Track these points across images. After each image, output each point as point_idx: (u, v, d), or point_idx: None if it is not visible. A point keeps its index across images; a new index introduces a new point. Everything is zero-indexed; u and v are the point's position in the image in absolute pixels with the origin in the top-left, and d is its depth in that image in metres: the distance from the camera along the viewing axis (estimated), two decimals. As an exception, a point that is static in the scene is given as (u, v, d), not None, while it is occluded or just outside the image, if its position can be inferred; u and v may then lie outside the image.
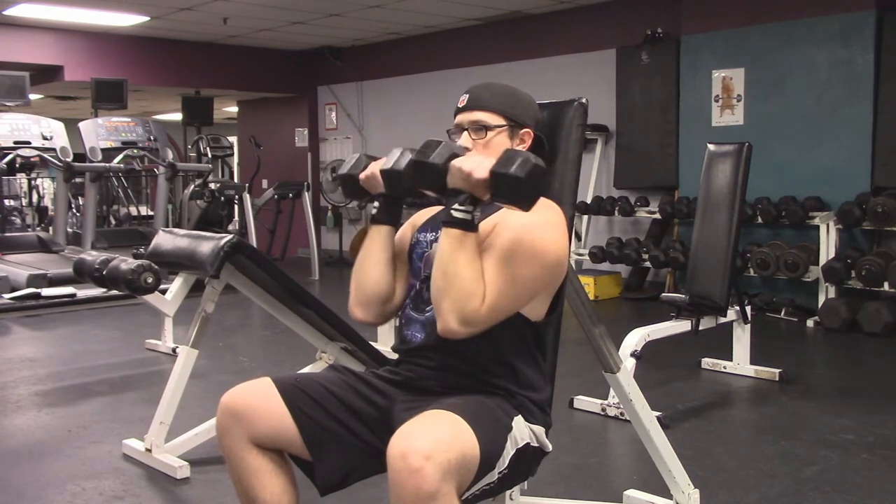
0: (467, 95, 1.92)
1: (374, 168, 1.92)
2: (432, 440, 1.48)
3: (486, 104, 1.89)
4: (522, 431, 1.76)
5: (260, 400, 1.77)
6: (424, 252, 1.92)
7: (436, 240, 1.90)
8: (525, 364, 1.84)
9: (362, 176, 1.95)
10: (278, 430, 1.76)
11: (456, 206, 1.68)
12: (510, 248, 1.71)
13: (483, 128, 1.88)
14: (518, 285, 1.71)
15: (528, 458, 1.79)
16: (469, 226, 1.68)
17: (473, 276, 1.66)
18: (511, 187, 1.61)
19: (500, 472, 1.67)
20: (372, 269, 1.93)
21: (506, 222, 1.76)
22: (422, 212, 2.05)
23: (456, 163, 1.68)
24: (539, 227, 1.74)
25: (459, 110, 1.92)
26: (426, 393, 1.79)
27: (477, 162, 1.66)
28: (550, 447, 1.89)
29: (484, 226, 1.76)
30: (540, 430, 1.85)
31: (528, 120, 1.93)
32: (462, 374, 1.80)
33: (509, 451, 1.69)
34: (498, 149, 1.86)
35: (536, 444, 1.82)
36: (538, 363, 1.87)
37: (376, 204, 1.97)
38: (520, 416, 1.78)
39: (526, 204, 1.63)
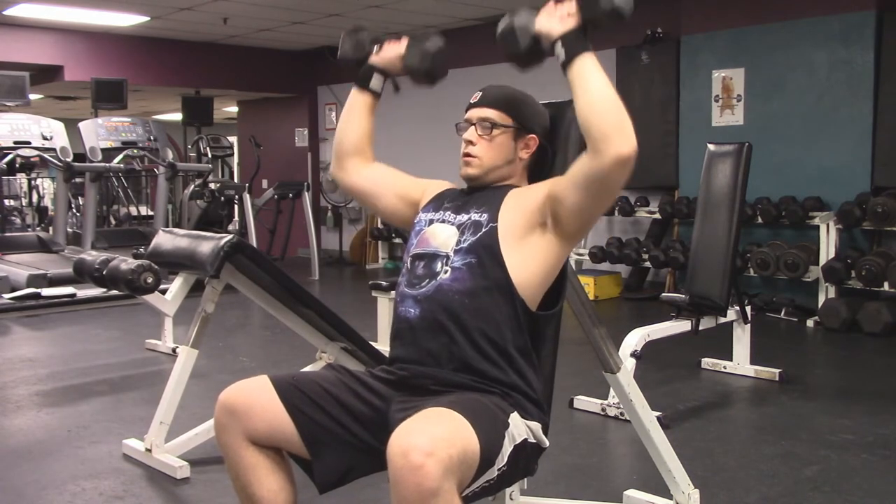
0: (481, 93, 2.00)
1: (402, 46, 2.08)
2: (433, 437, 1.49)
3: (497, 103, 1.96)
4: (519, 428, 1.76)
5: (257, 398, 1.78)
6: (421, 230, 1.95)
7: (437, 220, 1.94)
8: (521, 359, 1.84)
9: (391, 54, 2.11)
10: (275, 428, 1.76)
11: (582, 38, 1.75)
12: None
13: (490, 125, 1.94)
14: None
15: (527, 455, 1.79)
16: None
17: None
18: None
19: (499, 469, 1.67)
20: (349, 126, 2.17)
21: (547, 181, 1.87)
22: (434, 184, 2.09)
23: (543, 16, 1.79)
24: None
25: (471, 105, 1.99)
26: (422, 392, 1.80)
27: (557, 7, 1.78)
28: (548, 443, 1.89)
29: (527, 197, 1.87)
30: (536, 426, 1.85)
31: (535, 126, 1.98)
32: (457, 365, 1.80)
33: (507, 448, 1.69)
34: (501, 148, 1.93)
35: (534, 441, 1.83)
36: (533, 359, 1.88)
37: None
38: (516, 412, 1.79)
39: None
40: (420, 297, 1.85)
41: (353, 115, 2.17)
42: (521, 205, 1.87)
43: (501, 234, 1.83)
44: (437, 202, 2.01)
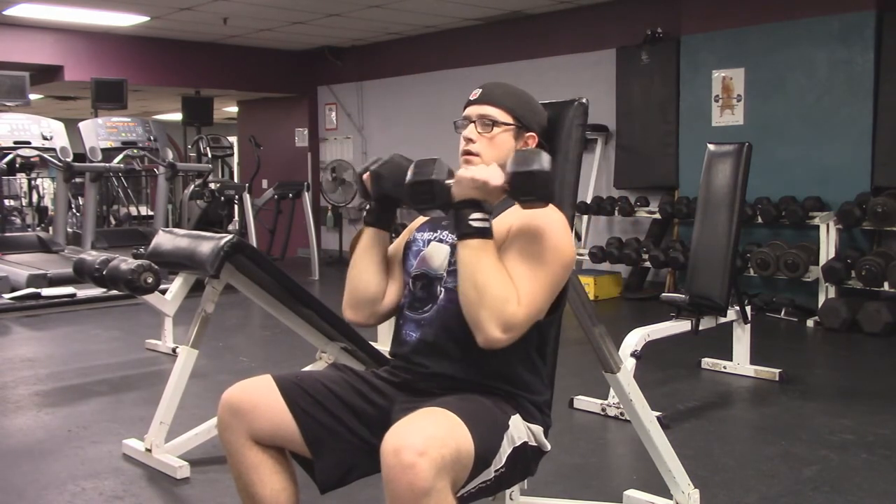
0: (480, 90, 1.96)
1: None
2: (426, 436, 1.49)
3: (498, 101, 1.93)
4: (520, 430, 1.76)
5: (260, 397, 1.77)
6: (420, 250, 1.94)
7: (434, 239, 1.92)
8: (524, 366, 1.84)
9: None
10: (278, 427, 1.76)
11: (473, 216, 1.67)
12: (535, 249, 1.72)
13: (491, 123, 1.91)
14: (548, 284, 1.72)
15: (526, 457, 1.79)
16: (489, 233, 1.68)
17: (504, 281, 1.66)
18: (535, 184, 1.65)
19: (496, 471, 1.67)
20: (364, 271, 1.95)
21: (523, 224, 1.75)
22: (412, 226, 2.06)
23: (464, 174, 1.68)
24: (556, 228, 1.76)
25: (470, 102, 1.95)
26: (425, 394, 1.80)
27: (486, 170, 1.69)
28: (549, 447, 1.89)
29: (497, 228, 1.75)
30: (538, 429, 1.85)
31: (534, 125, 1.96)
32: (460, 380, 1.80)
33: (506, 450, 1.69)
34: (501, 146, 1.89)
35: (535, 444, 1.83)
36: (537, 364, 1.87)
37: (367, 206, 1.99)
38: (517, 414, 1.79)
39: (547, 197, 1.67)
40: (422, 321, 1.85)
41: (375, 264, 1.95)
42: (506, 228, 1.79)
43: None
44: (434, 221, 1.99)
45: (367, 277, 1.95)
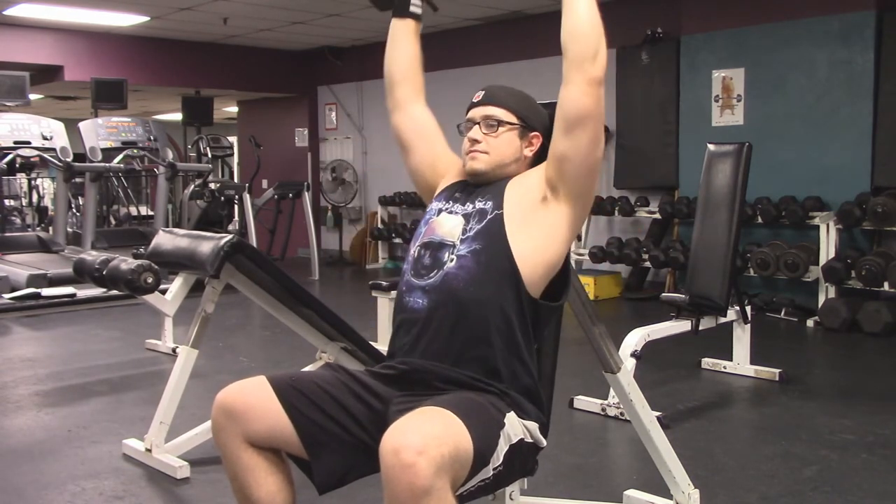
0: (483, 92, 2.00)
1: None
2: (424, 435, 1.49)
3: (501, 101, 1.97)
4: (515, 427, 1.76)
5: (255, 399, 1.77)
6: (430, 219, 1.96)
7: (445, 210, 1.94)
8: (525, 350, 1.84)
9: None
10: (274, 429, 1.75)
11: None
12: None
13: (496, 123, 1.95)
14: None
15: (523, 455, 1.79)
16: None
17: None
18: None
19: (494, 469, 1.67)
20: (395, 53, 2.29)
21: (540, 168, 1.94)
22: (455, 166, 2.09)
23: None
24: None
25: (473, 105, 1.99)
26: (420, 388, 1.80)
27: None
28: (545, 442, 1.89)
29: (528, 189, 1.89)
30: (533, 425, 1.85)
31: (538, 126, 2.00)
32: (463, 354, 1.80)
33: (503, 448, 1.69)
34: (507, 145, 1.93)
35: (531, 440, 1.83)
36: (528, 357, 1.87)
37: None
38: (512, 412, 1.79)
39: None
40: (428, 287, 1.85)
41: (397, 42, 2.20)
42: (524, 184, 1.89)
43: (507, 219, 1.84)
44: (449, 191, 2.02)
45: (404, 56, 2.29)
